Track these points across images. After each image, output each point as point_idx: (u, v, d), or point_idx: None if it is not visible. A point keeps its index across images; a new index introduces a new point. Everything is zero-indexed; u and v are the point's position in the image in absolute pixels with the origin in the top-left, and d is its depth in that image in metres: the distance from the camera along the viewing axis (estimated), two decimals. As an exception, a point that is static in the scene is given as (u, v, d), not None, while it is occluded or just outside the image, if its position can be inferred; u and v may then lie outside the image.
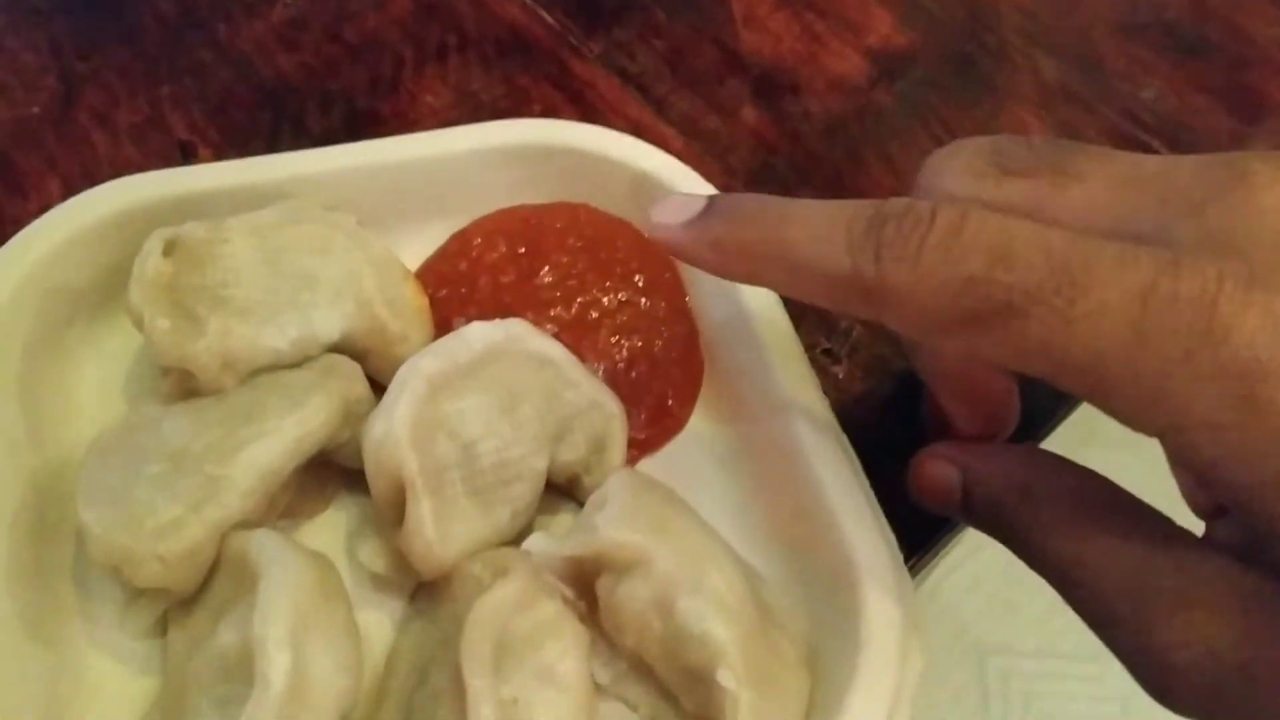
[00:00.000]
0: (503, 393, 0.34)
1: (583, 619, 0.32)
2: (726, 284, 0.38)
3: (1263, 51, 0.50)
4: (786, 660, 0.32)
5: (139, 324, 0.34)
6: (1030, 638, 1.57)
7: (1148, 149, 0.48)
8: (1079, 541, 0.27)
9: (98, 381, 0.37)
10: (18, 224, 0.38)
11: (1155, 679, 0.26)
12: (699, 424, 0.38)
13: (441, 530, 0.32)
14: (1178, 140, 0.48)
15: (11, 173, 0.41)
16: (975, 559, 1.60)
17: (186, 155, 0.42)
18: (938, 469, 0.32)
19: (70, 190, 0.38)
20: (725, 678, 0.29)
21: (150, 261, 0.34)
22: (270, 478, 0.32)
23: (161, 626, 0.33)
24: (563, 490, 0.36)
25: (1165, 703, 0.26)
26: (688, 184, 0.39)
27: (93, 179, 0.38)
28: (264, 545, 0.30)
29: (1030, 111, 0.48)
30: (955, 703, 1.52)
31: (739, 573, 0.32)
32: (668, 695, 0.32)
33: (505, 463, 0.33)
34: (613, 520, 0.31)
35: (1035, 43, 0.36)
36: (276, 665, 0.27)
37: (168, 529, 0.30)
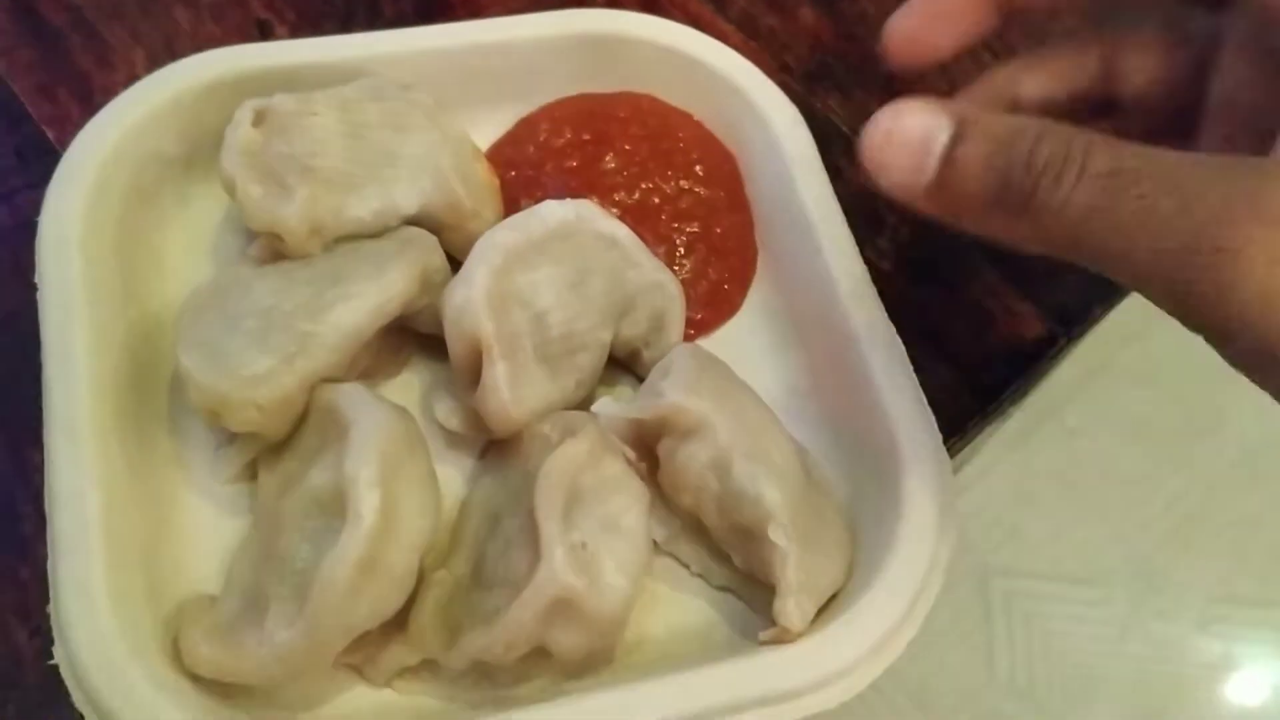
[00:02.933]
0: (571, 268, 0.36)
1: (643, 478, 0.34)
2: (783, 178, 0.39)
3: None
4: (831, 525, 0.34)
5: (231, 190, 0.36)
6: (1033, 560, 1.61)
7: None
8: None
9: (186, 243, 0.39)
10: (106, 93, 0.39)
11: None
12: (752, 308, 0.40)
13: (515, 391, 0.34)
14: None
15: (99, 45, 0.43)
16: (982, 480, 1.63)
17: (264, 33, 0.44)
18: (916, 120, 0.28)
19: (155, 64, 0.40)
20: (776, 534, 0.32)
21: (241, 130, 0.36)
22: (355, 336, 0.34)
23: (249, 472, 0.35)
24: (622, 364, 0.38)
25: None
26: (751, 80, 0.41)
27: (175, 54, 0.40)
28: (352, 397, 0.33)
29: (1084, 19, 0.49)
30: (957, 621, 1.56)
31: (790, 444, 0.35)
32: (718, 554, 0.35)
33: (573, 333, 0.35)
34: (677, 386, 0.33)
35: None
36: (368, 502, 0.30)
37: (263, 378, 0.33)
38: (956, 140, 0.27)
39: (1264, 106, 0.32)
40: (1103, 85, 0.36)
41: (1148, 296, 0.26)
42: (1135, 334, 1.64)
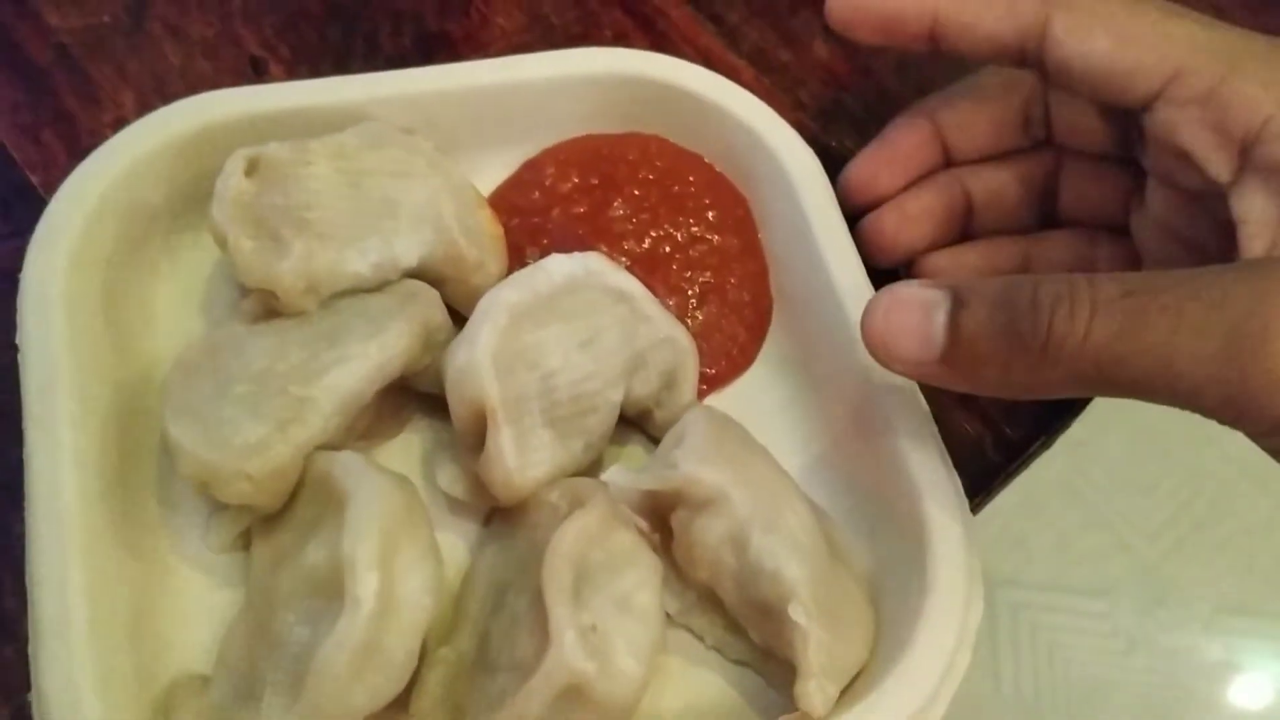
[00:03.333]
0: (580, 326, 0.34)
1: (656, 550, 0.32)
2: (798, 224, 0.38)
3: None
4: (854, 600, 0.33)
5: (222, 243, 0.34)
6: (1040, 571, 1.60)
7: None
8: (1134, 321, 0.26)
9: (175, 297, 0.37)
10: (93, 135, 0.38)
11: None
12: (768, 361, 0.38)
13: (521, 458, 0.32)
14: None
15: (86, 84, 0.41)
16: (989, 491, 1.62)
17: (258, 70, 0.42)
18: (913, 296, 0.29)
19: (144, 102, 0.39)
20: (797, 613, 0.30)
21: (233, 180, 0.34)
22: (353, 401, 0.33)
23: (243, 541, 0.34)
24: (633, 423, 0.37)
25: None
26: (762, 120, 0.39)
27: (165, 92, 0.38)
28: (349, 467, 0.31)
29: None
30: (963, 631, 1.55)
31: (810, 512, 0.33)
32: (734, 627, 0.33)
33: (582, 395, 0.34)
34: (691, 456, 0.31)
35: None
36: (366, 585, 0.28)
37: (255, 448, 0.31)
38: (957, 306, 0.28)
39: (1188, 233, 0.35)
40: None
41: (1200, 409, 0.26)
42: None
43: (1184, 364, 0.25)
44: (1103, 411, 1.48)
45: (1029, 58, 0.33)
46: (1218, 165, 0.31)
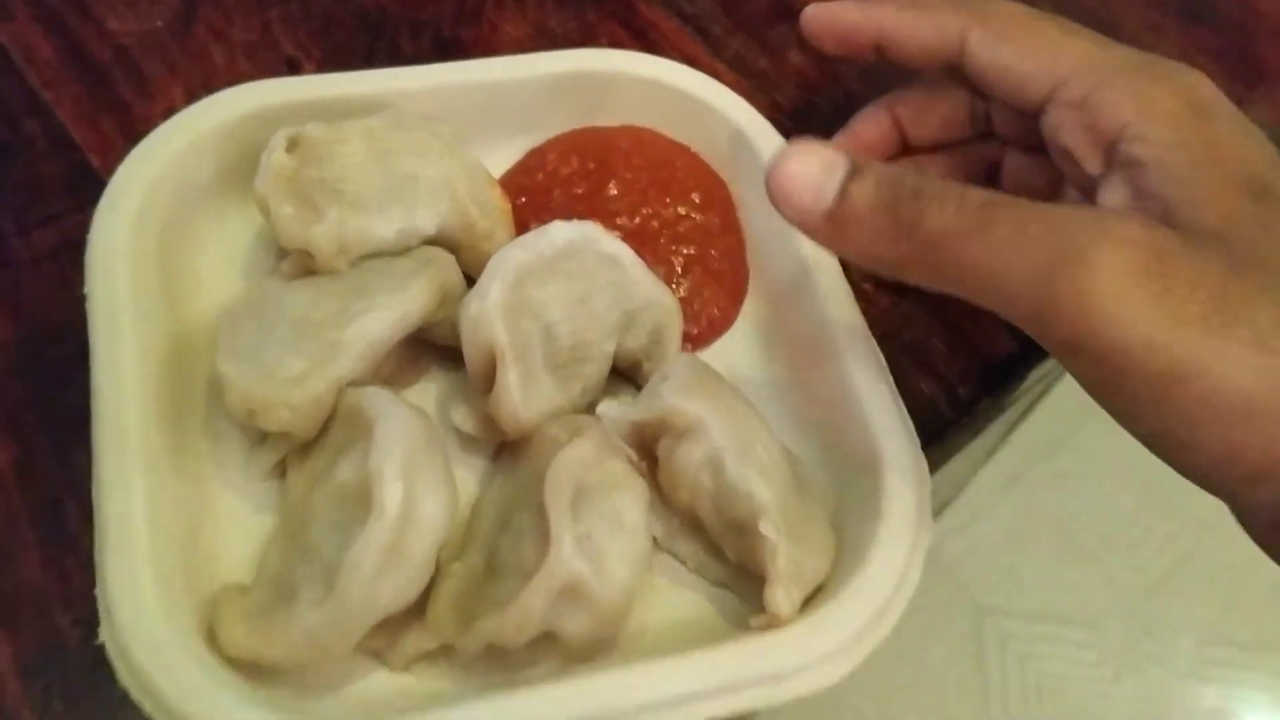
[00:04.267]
0: (578, 285, 0.39)
1: (643, 477, 0.37)
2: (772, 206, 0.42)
3: (1266, 21, 0.54)
4: (817, 522, 0.37)
5: (265, 211, 0.39)
6: (1027, 601, 1.63)
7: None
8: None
9: (220, 262, 0.42)
10: (147, 123, 0.42)
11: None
12: (744, 325, 0.43)
13: (526, 395, 0.37)
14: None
15: (140, 79, 0.46)
16: (976, 523, 1.66)
17: (293, 69, 0.47)
18: (817, 156, 0.32)
19: (191, 95, 0.43)
20: (767, 528, 0.34)
21: (276, 155, 0.39)
22: (379, 345, 0.37)
23: (278, 470, 0.38)
24: (624, 375, 0.41)
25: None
26: (744, 115, 0.44)
27: (211, 86, 0.43)
28: (376, 399, 0.35)
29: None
30: (952, 661, 1.58)
31: (779, 447, 0.37)
32: (713, 550, 0.37)
33: (579, 345, 0.38)
34: (675, 390, 0.36)
35: (1060, 7, 0.41)
36: (391, 493, 0.32)
37: (295, 380, 0.35)
38: (852, 174, 0.31)
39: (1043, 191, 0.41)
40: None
41: (1013, 317, 0.30)
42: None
43: (1009, 273, 0.29)
44: (1088, 444, 1.53)
45: (954, 66, 0.39)
46: (1090, 161, 0.36)
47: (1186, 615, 1.62)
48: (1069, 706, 1.55)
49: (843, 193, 0.31)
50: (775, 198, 0.32)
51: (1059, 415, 1.74)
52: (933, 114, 0.43)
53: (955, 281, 0.31)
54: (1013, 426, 0.89)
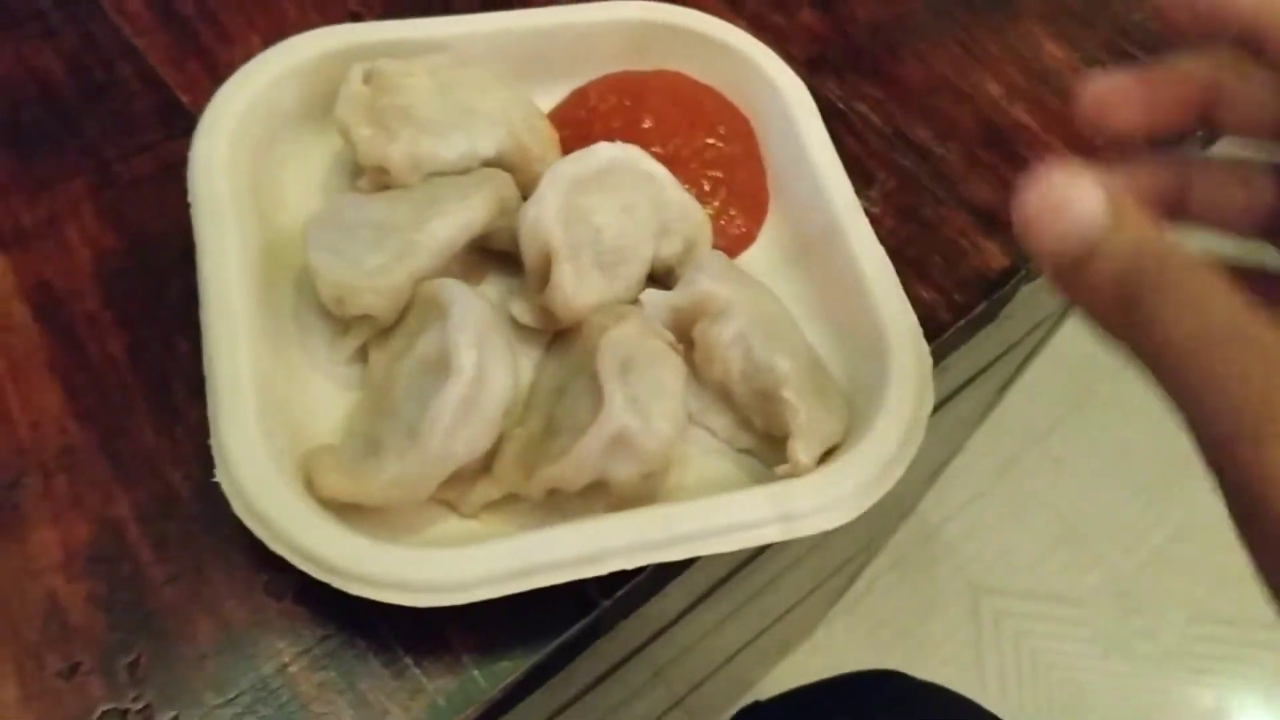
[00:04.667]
0: (621, 196, 0.44)
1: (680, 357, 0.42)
2: (792, 135, 0.48)
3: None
4: (832, 393, 0.42)
5: (344, 133, 0.44)
6: (1021, 581, 1.68)
7: (1134, 60, 0.58)
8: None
9: (301, 182, 0.47)
10: (229, 66, 0.48)
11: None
12: (765, 240, 0.48)
13: (578, 287, 0.42)
14: (1158, 53, 0.58)
15: (221, 29, 0.52)
16: (973, 505, 1.71)
17: (356, 20, 0.52)
18: (1082, 201, 0.26)
19: (268, 43, 0.49)
20: (788, 393, 0.40)
21: (354, 85, 0.45)
22: (449, 245, 0.42)
23: (360, 355, 0.43)
24: (658, 281, 0.47)
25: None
26: (765, 59, 0.50)
27: (285, 34, 0.48)
28: (449, 286, 0.41)
29: (1038, 25, 0.59)
30: (949, 638, 1.63)
31: (798, 329, 0.43)
32: (741, 421, 0.43)
33: (622, 246, 0.44)
34: (710, 277, 0.41)
35: None
36: (468, 357, 0.38)
37: (379, 270, 0.41)
38: (1108, 233, 0.27)
39: None
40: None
41: (1199, 441, 0.27)
42: (1115, 368, 1.73)
43: (1221, 414, 0.25)
44: (1081, 429, 1.59)
45: None
46: None
47: (1175, 594, 1.68)
48: (1061, 681, 1.60)
49: (1090, 251, 0.27)
50: (1021, 221, 0.27)
51: (1052, 401, 1.80)
52: (1233, 199, 0.33)
53: (1159, 379, 0.27)
54: (1006, 383, 0.95)
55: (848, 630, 1.60)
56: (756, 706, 0.74)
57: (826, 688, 0.73)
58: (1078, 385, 1.81)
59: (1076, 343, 1.11)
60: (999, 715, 0.70)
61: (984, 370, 0.75)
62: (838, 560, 1.08)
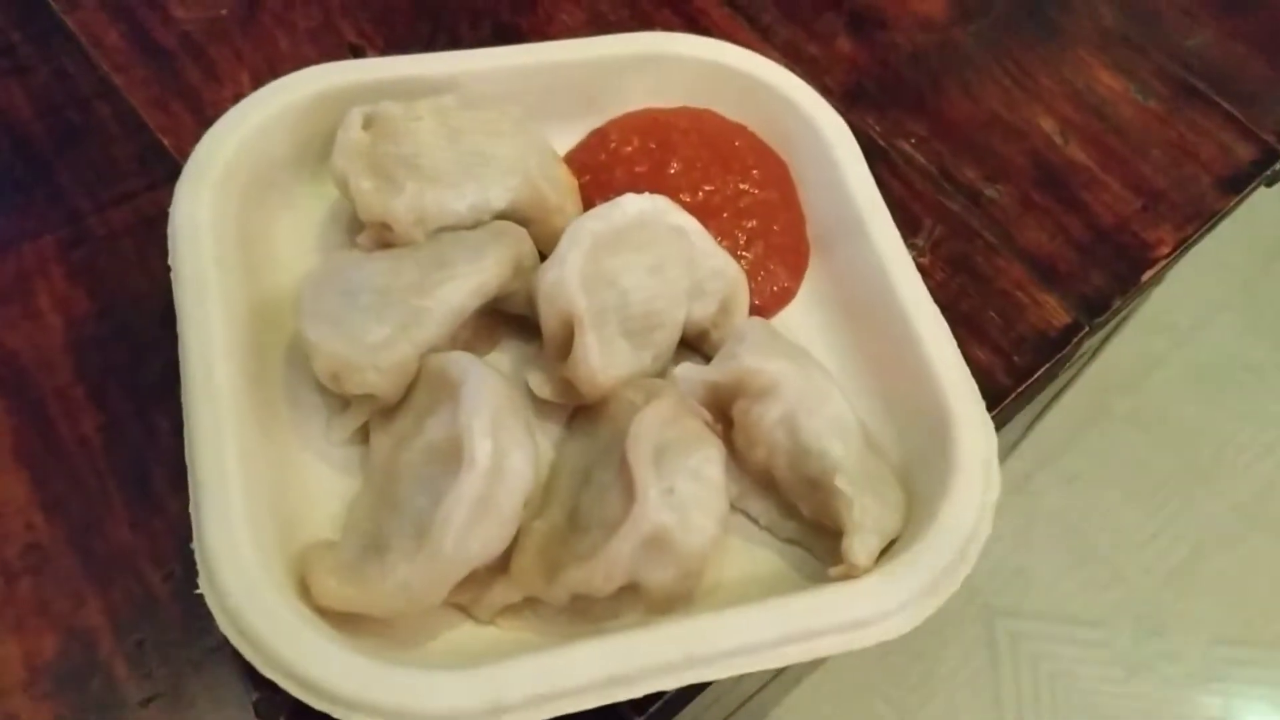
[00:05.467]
0: (649, 255, 0.40)
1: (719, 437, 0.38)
2: (834, 179, 0.44)
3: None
4: (888, 480, 0.38)
5: (342, 185, 0.40)
6: (1038, 602, 1.64)
7: (1193, 90, 0.54)
8: None
9: (294, 238, 0.43)
10: (216, 106, 0.44)
11: None
12: (806, 296, 0.44)
13: (604, 359, 0.38)
14: (1219, 82, 0.54)
15: (207, 64, 0.47)
16: (987, 524, 1.67)
17: (356, 56, 0.48)
18: None
19: (259, 81, 0.44)
20: (842, 482, 0.35)
21: (353, 132, 0.40)
22: (459, 311, 0.38)
23: (360, 436, 0.39)
24: (690, 345, 0.42)
25: None
26: (801, 94, 0.45)
27: (277, 71, 0.44)
28: (460, 361, 0.36)
29: (1090, 53, 0.54)
30: (965, 663, 1.59)
31: (849, 407, 0.38)
32: (786, 509, 0.38)
33: (652, 312, 0.39)
34: (751, 350, 0.37)
35: (1101, -5, 0.43)
36: (482, 447, 0.33)
37: (382, 344, 0.36)
38: None
39: None
40: None
41: None
42: (1131, 383, 1.69)
43: None
44: (1097, 446, 1.55)
45: None
46: None
47: (1196, 614, 1.64)
48: (1080, 706, 1.56)
49: None
50: None
51: (1066, 416, 1.76)
52: None
53: None
54: (1030, 425, 0.91)
55: (860, 655, 1.55)
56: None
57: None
58: (1092, 400, 1.77)
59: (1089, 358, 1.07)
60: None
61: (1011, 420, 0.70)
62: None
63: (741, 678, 0.34)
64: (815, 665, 1.46)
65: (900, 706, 1.50)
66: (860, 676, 1.55)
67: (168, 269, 0.38)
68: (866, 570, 0.35)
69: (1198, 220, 0.49)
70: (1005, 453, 0.96)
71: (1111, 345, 1.26)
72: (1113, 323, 0.47)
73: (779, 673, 0.98)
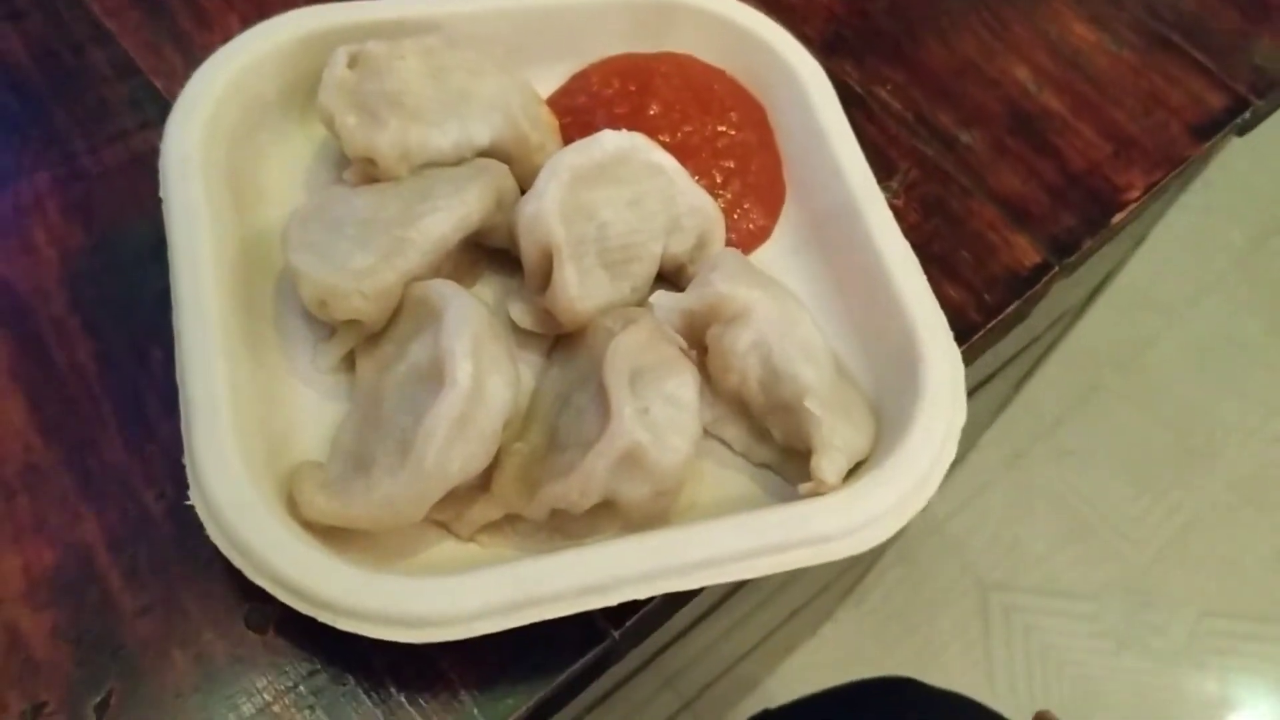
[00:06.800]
0: (627, 189, 0.41)
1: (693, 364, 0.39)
2: (809, 122, 0.45)
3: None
4: (857, 405, 0.39)
5: (328, 122, 0.41)
6: (1030, 576, 1.65)
7: (1166, 41, 0.55)
8: None
9: (281, 175, 0.44)
10: (206, 50, 0.44)
11: None
12: (782, 235, 0.45)
13: (582, 289, 0.39)
14: (1192, 34, 0.55)
15: (197, 9, 0.48)
16: (980, 498, 1.68)
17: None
18: None
19: (248, 25, 0.45)
20: (813, 404, 0.37)
21: (338, 69, 0.41)
22: (441, 242, 0.39)
23: (347, 363, 0.40)
24: (668, 279, 0.43)
25: None
26: (778, 39, 0.46)
27: (266, 17, 0.45)
28: (443, 289, 0.38)
29: (1066, 5, 0.55)
30: (957, 634, 1.60)
31: (819, 333, 0.40)
32: (758, 434, 0.40)
33: (630, 244, 0.40)
34: (725, 278, 0.38)
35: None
36: (463, 368, 0.35)
37: (367, 271, 0.37)
38: None
39: None
40: None
41: None
42: (1124, 359, 1.70)
43: None
44: (1089, 421, 1.56)
45: None
46: None
47: (1187, 587, 1.65)
48: (1072, 678, 1.57)
49: None
50: None
51: (1060, 392, 1.77)
52: None
53: None
54: (1018, 386, 0.92)
55: (854, 627, 1.57)
56: (766, 716, 0.71)
57: (838, 695, 0.70)
58: (1086, 376, 1.78)
59: (1084, 333, 1.08)
60: (1010, 709, 0.68)
61: (1003, 367, 0.71)
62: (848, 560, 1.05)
63: (731, 627, 0.35)
64: (812, 629, 1.47)
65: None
66: (853, 648, 1.57)
67: (159, 203, 0.40)
68: (834, 488, 0.36)
69: (1167, 165, 0.50)
70: (992, 416, 0.97)
71: (1104, 322, 1.26)
72: (1077, 268, 0.48)
73: (782, 624, 0.98)
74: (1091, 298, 0.82)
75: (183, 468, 0.35)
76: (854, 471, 0.38)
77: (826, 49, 0.51)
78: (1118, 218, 0.48)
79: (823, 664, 1.49)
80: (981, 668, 1.58)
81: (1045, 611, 1.63)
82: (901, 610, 1.61)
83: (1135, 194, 0.49)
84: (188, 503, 0.34)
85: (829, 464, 0.36)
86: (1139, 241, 0.78)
